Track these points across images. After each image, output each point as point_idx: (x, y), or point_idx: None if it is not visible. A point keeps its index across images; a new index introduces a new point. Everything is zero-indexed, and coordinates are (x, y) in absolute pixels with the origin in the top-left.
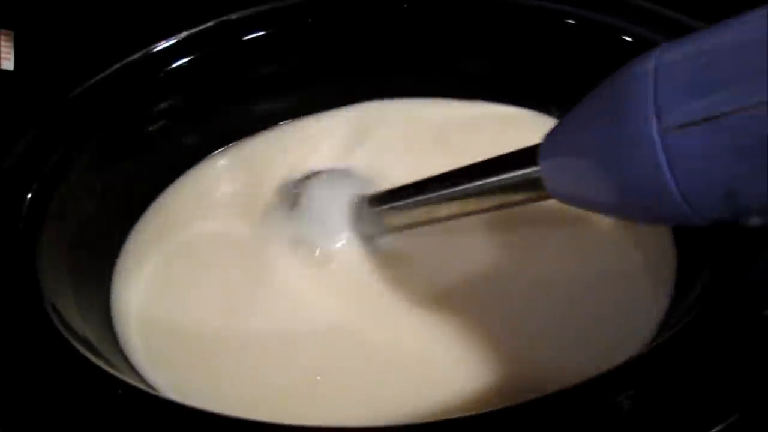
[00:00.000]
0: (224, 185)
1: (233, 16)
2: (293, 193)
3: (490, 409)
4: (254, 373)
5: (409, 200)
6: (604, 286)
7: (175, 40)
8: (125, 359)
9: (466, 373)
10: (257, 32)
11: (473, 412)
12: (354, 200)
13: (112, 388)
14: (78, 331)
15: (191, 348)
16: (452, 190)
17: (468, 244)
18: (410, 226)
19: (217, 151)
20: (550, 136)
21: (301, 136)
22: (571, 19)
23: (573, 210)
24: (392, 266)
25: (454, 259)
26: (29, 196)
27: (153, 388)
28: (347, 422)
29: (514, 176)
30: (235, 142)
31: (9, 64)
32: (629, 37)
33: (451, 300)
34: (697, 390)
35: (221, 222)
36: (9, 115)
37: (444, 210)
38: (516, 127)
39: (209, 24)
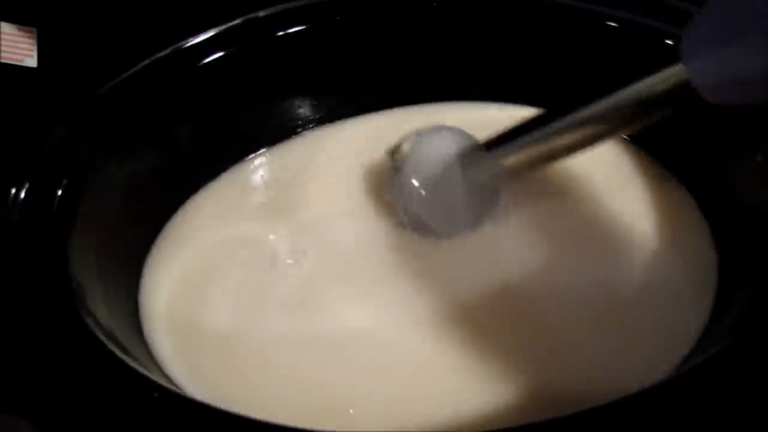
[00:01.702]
0: (256, 189)
1: (260, 14)
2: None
3: (515, 425)
4: (280, 375)
5: (534, 134)
6: (640, 298)
7: (204, 37)
8: (151, 357)
9: (500, 385)
10: (288, 29)
11: (500, 427)
12: (463, 151)
13: (141, 387)
14: (106, 329)
15: (218, 348)
16: (582, 114)
17: (502, 254)
18: (532, 168)
19: (250, 155)
20: (697, 23)
21: (336, 140)
22: (594, 19)
23: (610, 219)
24: (421, 275)
25: (487, 270)
26: (59, 193)
27: (178, 387)
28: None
29: (653, 82)
30: (268, 147)
31: (32, 62)
32: (655, 37)
33: (483, 311)
34: (728, 417)
35: (252, 225)
36: (32, 112)
37: (572, 139)
38: None
39: (237, 21)
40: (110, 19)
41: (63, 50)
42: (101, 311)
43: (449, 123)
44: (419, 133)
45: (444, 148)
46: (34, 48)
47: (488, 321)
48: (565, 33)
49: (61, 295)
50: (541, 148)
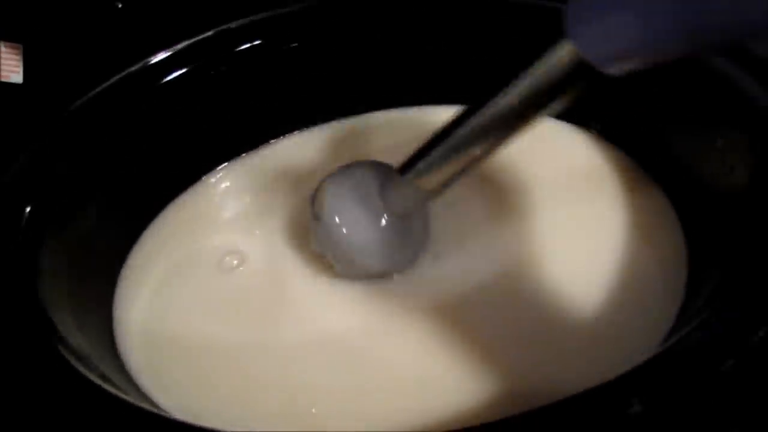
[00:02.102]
0: (228, 199)
1: (233, 25)
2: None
3: (498, 418)
4: (258, 390)
5: (442, 147)
6: (613, 287)
7: (172, 51)
8: (127, 376)
9: (475, 383)
10: (256, 41)
11: (481, 422)
12: (380, 183)
13: (113, 408)
14: (78, 349)
15: (194, 364)
16: (485, 116)
17: (472, 248)
18: (452, 180)
19: (221, 165)
20: None
21: (305, 148)
22: None
23: (578, 213)
24: (397, 279)
25: (457, 265)
26: (28, 209)
27: (155, 405)
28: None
29: (546, 68)
30: (239, 156)
31: (18, 78)
32: None
33: (453, 306)
34: (708, 396)
35: (224, 236)
36: (16, 127)
37: (483, 143)
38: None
39: (208, 33)
40: (94, 34)
41: (44, 66)
42: (72, 331)
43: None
44: (331, 175)
45: (360, 184)
46: (20, 64)
47: (459, 316)
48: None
49: (31, 314)
50: (452, 160)
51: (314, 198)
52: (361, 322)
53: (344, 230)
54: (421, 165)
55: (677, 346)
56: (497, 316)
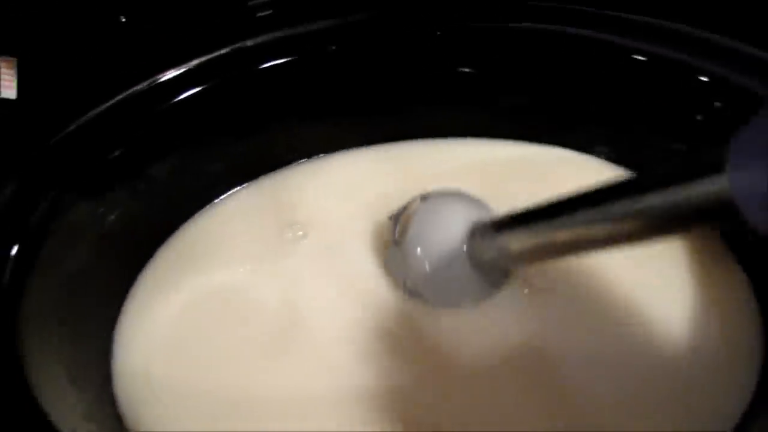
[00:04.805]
0: (239, 229)
1: (248, 43)
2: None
3: None
4: None
5: (544, 223)
6: (675, 367)
7: (185, 69)
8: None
9: None
10: (276, 60)
11: None
12: (469, 226)
13: None
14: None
15: (203, 417)
16: (598, 211)
17: (527, 315)
18: (539, 258)
19: (228, 193)
20: (747, 132)
21: (324, 176)
22: (617, 52)
23: (637, 281)
24: (435, 334)
25: (511, 333)
26: (14, 251)
27: None
28: None
29: (687, 195)
30: (250, 182)
31: (11, 93)
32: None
33: (505, 378)
34: None
35: (231, 272)
36: (6, 149)
37: (586, 237)
38: (561, 169)
39: (223, 51)
40: (94, 48)
41: (42, 81)
42: (64, 391)
43: (454, 160)
44: (425, 199)
45: (450, 219)
46: (14, 78)
47: (497, 390)
48: (585, 67)
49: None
50: (551, 242)
51: (397, 221)
52: (390, 374)
53: (424, 266)
54: (516, 232)
55: None
56: (541, 391)
